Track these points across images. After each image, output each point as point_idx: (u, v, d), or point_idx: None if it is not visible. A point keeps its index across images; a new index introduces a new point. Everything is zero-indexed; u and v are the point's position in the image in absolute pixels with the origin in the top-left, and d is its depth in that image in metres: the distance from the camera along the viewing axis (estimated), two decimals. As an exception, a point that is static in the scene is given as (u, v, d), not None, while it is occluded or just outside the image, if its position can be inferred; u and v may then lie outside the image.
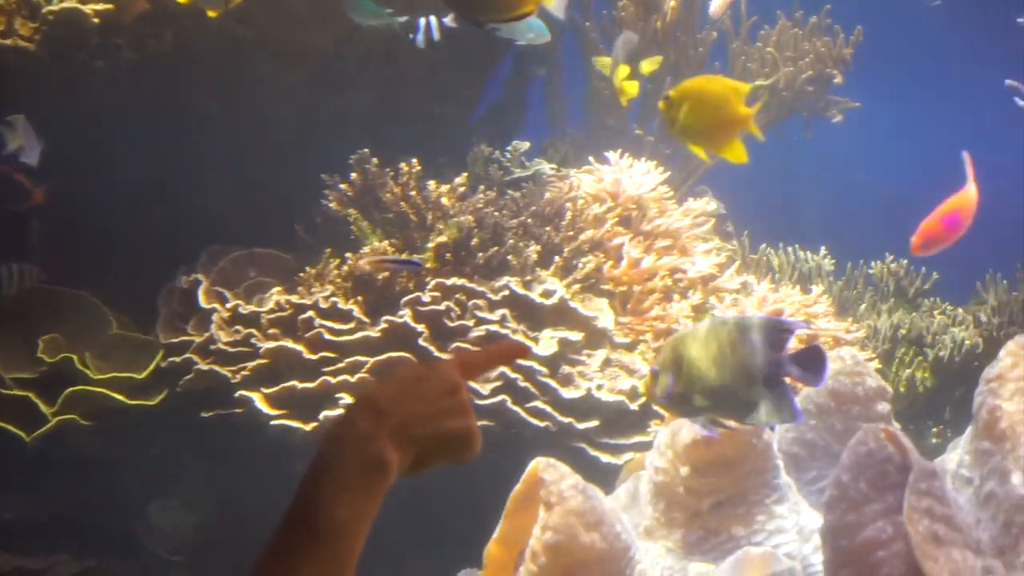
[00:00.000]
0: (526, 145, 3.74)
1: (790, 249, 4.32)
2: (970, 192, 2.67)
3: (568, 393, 2.82)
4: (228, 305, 3.10)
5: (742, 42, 4.18)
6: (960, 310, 4.16)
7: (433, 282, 2.90)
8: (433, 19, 2.97)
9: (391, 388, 0.95)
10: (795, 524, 2.05)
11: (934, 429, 3.57)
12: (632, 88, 3.03)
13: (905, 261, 4.30)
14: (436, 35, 2.98)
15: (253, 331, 2.98)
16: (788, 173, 6.17)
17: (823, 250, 4.35)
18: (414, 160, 3.14)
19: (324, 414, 2.77)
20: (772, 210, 4.56)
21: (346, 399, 2.78)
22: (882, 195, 6.24)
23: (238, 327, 3.03)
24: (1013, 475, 1.68)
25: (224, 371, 2.97)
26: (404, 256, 2.99)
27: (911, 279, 4.27)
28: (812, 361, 1.69)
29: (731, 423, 1.82)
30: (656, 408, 2.48)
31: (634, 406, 2.88)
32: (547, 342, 2.86)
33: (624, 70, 2.98)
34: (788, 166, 5.82)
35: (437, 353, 2.76)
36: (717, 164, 4.53)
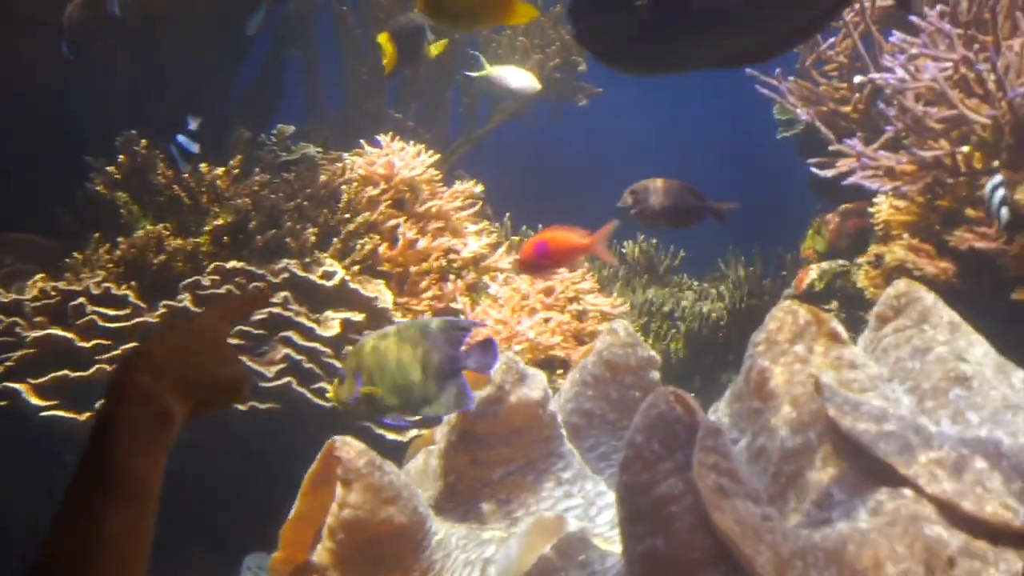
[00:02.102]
0: (291, 129, 3.71)
1: (548, 230, 4.48)
2: (576, 241, 2.49)
3: (352, 373, 2.84)
4: (-14, 294, 2.94)
5: (491, 30, 4.29)
6: (705, 284, 4.46)
7: (212, 266, 2.86)
8: (181, 138, 2.92)
9: (165, 343, 0.99)
10: (580, 489, 2.16)
11: (688, 397, 3.80)
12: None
13: (655, 240, 4.57)
14: (195, 148, 2.94)
15: (17, 320, 2.84)
16: (537, 156, 6.34)
17: (580, 231, 4.52)
18: (185, 142, 3.06)
19: (101, 403, 2.67)
20: (524, 193, 4.71)
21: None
22: (628, 177, 6.50)
23: (-1, 317, 2.89)
24: (780, 430, 1.85)
25: (-17, 363, 2.82)
26: None
27: (660, 257, 4.54)
28: (485, 351, 1.84)
29: (415, 418, 1.95)
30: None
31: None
32: (330, 323, 2.88)
33: (383, 36, 2.96)
34: (537, 149, 6.00)
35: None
36: (473, 149, 4.65)
